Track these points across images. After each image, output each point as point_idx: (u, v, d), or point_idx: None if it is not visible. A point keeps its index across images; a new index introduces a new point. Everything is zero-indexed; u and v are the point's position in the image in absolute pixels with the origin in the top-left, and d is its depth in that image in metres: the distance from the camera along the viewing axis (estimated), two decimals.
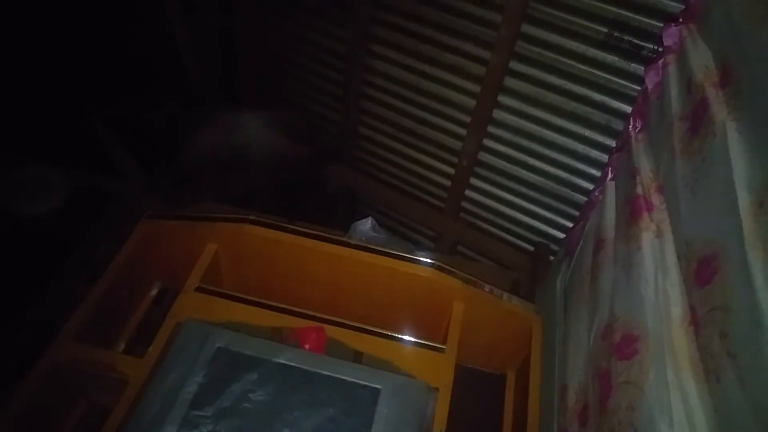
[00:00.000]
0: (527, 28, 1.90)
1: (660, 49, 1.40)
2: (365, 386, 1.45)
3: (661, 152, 1.22)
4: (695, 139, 1.05)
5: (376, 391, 1.44)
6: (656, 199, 1.22)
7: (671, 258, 1.08)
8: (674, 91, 1.21)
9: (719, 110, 0.97)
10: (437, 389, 1.50)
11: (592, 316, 1.31)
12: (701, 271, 0.93)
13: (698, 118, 1.04)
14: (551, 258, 2.15)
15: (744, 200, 0.83)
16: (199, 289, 1.69)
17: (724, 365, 0.81)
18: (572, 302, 1.54)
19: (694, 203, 1.01)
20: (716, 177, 0.93)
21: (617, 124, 1.89)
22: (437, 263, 1.68)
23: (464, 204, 2.52)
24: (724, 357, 0.81)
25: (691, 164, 1.04)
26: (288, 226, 1.77)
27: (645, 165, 1.32)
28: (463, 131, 2.29)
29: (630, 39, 1.72)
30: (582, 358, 1.33)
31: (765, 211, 0.79)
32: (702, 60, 1.12)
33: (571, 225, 2.18)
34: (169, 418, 1.37)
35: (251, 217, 1.77)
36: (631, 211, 1.26)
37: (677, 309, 1.01)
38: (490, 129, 2.22)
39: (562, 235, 2.26)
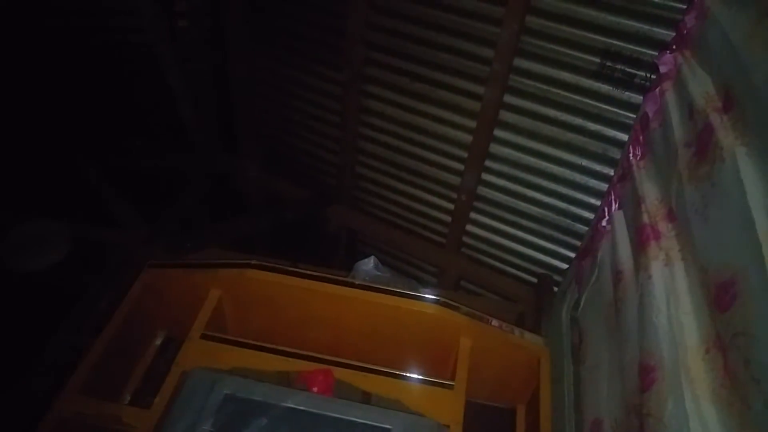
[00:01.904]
0: (519, 62, 1.95)
1: (653, 77, 1.42)
2: (375, 427, 1.43)
3: (669, 179, 1.21)
4: (702, 164, 1.04)
5: (387, 431, 1.42)
6: (663, 226, 1.21)
7: (682, 286, 1.07)
8: (675, 118, 1.22)
9: (725, 135, 0.97)
10: (448, 427, 1.48)
11: (622, 349, 1.27)
12: (720, 297, 0.91)
13: (703, 143, 1.04)
14: (555, 289, 2.14)
15: (762, 224, 0.82)
16: (204, 337, 1.68)
17: (751, 391, 0.80)
18: (594, 334, 1.51)
19: (707, 229, 1.00)
20: (728, 202, 0.93)
21: (614, 153, 1.92)
22: (442, 299, 1.68)
23: (465, 239, 2.53)
24: (750, 383, 0.80)
25: (700, 190, 1.04)
26: (290, 268, 1.77)
27: (650, 193, 1.32)
28: (461, 166, 2.33)
29: (622, 68, 1.76)
30: (617, 392, 1.28)
31: None
32: (701, 86, 1.12)
33: (572, 255, 2.18)
34: None
35: (253, 262, 1.77)
36: (639, 240, 1.26)
37: (692, 337, 0.99)
38: (488, 163, 2.25)
39: (564, 266, 2.27)
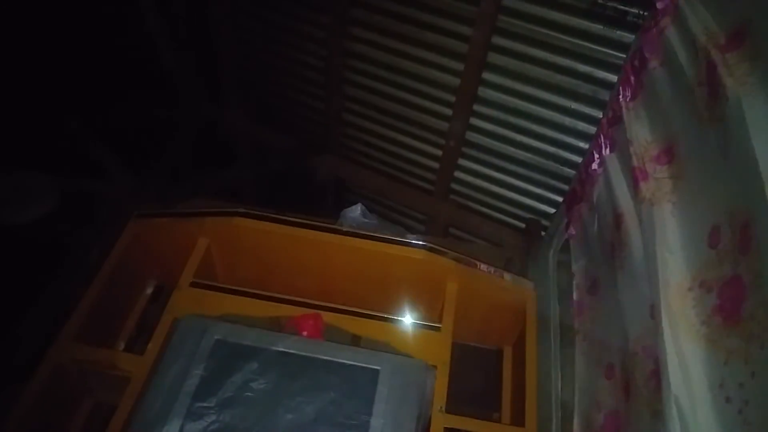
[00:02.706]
0: (508, 2, 1.89)
1: (646, 14, 1.37)
2: (364, 368, 1.47)
3: (673, 119, 1.19)
4: (716, 104, 1.02)
5: (376, 372, 1.45)
6: (651, 168, 1.21)
7: (671, 225, 1.08)
8: (682, 56, 1.17)
9: (727, 73, 0.95)
10: (435, 367, 1.52)
11: (633, 292, 1.28)
12: (743, 239, 0.91)
13: (712, 82, 1.01)
14: (543, 234, 2.16)
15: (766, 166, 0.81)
16: (193, 285, 1.69)
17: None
18: (597, 280, 1.52)
19: (730, 170, 0.96)
20: (740, 142, 0.91)
21: (603, 95, 1.89)
22: (429, 245, 1.69)
23: (454, 185, 2.53)
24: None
25: (717, 130, 1.01)
26: (278, 216, 1.76)
27: (639, 135, 1.31)
28: (448, 111, 2.29)
29: (614, 5, 1.71)
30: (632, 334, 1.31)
31: None
32: (702, 22, 1.08)
33: (560, 199, 2.19)
34: (173, 412, 1.38)
35: (241, 210, 1.77)
36: (631, 182, 1.26)
37: (676, 276, 1.01)
38: (476, 107, 2.22)
39: (552, 210, 2.28)
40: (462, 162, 2.42)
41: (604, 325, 1.36)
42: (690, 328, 0.94)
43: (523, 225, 2.36)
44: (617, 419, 1.15)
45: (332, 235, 1.74)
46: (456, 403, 1.50)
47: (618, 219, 1.36)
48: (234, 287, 1.71)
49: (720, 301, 0.92)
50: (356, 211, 1.89)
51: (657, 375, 1.03)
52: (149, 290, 1.97)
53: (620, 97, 1.46)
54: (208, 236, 1.80)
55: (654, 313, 1.04)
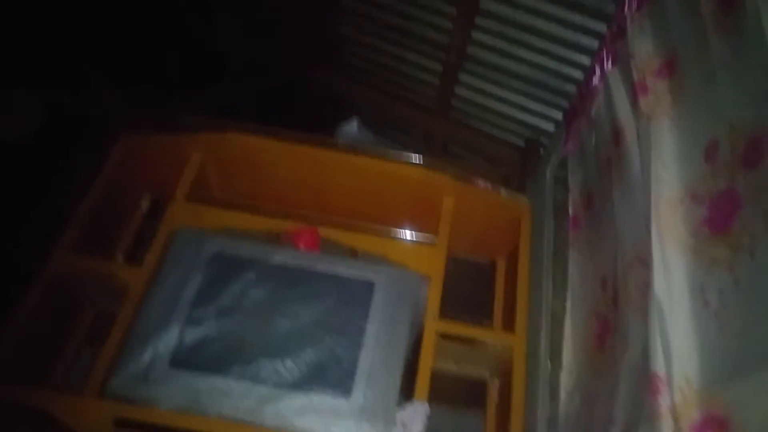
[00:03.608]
0: None
1: None
2: (360, 280, 1.50)
3: (681, 32, 1.14)
4: (729, 14, 0.98)
5: (371, 284, 1.49)
6: (652, 82, 1.19)
7: (668, 140, 1.07)
8: None
9: None
10: (430, 278, 1.55)
11: (628, 208, 1.29)
12: (749, 154, 0.91)
13: None
14: (541, 151, 2.14)
15: None
16: (189, 199, 1.69)
17: (762, 242, 0.82)
18: (593, 195, 1.52)
19: (737, 84, 0.94)
20: (756, 53, 0.87)
21: (609, 8, 1.81)
22: (426, 161, 1.68)
23: (453, 102, 2.47)
24: (763, 235, 0.82)
25: (728, 43, 0.98)
26: (273, 131, 1.74)
27: (641, 48, 1.27)
28: (449, 24, 2.21)
29: None
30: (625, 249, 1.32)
31: None
32: None
33: (560, 117, 2.15)
34: (173, 318, 1.42)
35: (234, 125, 1.74)
36: (631, 97, 1.24)
37: (668, 189, 1.01)
38: (477, 20, 2.13)
39: (552, 128, 2.24)
40: (462, 77, 2.35)
41: (598, 238, 1.37)
42: (677, 238, 0.96)
43: (522, 143, 2.33)
44: (607, 325, 1.19)
45: (328, 150, 1.73)
46: (449, 312, 1.55)
47: (617, 134, 1.34)
48: (230, 201, 1.71)
49: (710, 213, 0.94)
50: (353, 125, 1.87)
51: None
52: (145, 205, 1.97)
53: (625, 8, 1.40)
54: (201, 151, 1.79)
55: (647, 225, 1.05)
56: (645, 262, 1.11)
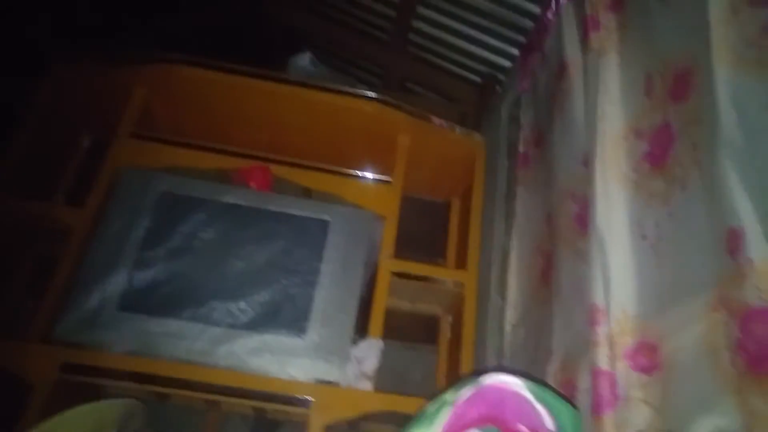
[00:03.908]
0: None
1: None
2: (314, 219, 1.48)
3: None
4: None
5: (326, 223, 1.47)
6: (605, 17, 1.17)
7: (614, 76, 1.07)
8: None
9: None
10: (385, 217, 1.55)
11: (566, 144, 1.29)
12: (678, 87, 0.92)
13: None
14: (498, 88, 2.12)
15: (714, 5, 0.79)
16: (134, 136, 1.61)
17: (691, 174, 0.84)
18: (542, 132, 1.52)
19: (667, 15, 0.96)
20: None
21: None
22: (381, 97, 1.64)
23: (411, 36, 2.40)
24: (692, 167, 0.84)
25: None
26: (220, 64, 1.65)
27: None
28: None
29: None
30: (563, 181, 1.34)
31: (738, 19, 0.76)
32: None
33: (518, 53, 2.12)
34: (121, 261, 1.38)
35: (180, 57, 1.64)
36: (582, 32, 1.22)
37: (614, 126, 1.02)
38: None
39: (509, 64, 2.21)
40: (420, 10, 2.27)
41: (543, 176, 1.39)
42: (620, 175, 0.98)
43: (479, 79, 2.30)
44: (549, 260, 1.22)
45: (279, 84, 1.66)
46: (404, 251, 1.56)
47: (562, 69, 1.34)
48: (178, 139, 1.64)
49: (650, 147, 0.95)
50: (305, 59, 1.79)
51: (580, 219, 1.08)
52: (86, 143, 1.87)
53: None
54: (146, 86, 1.68)
55: (587, 161, 1.06)
56: (576, 198, 1.13)
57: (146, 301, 1.36)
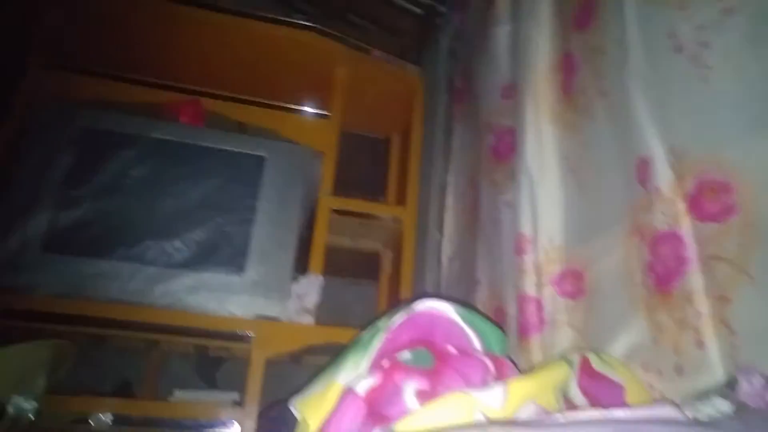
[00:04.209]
0: None
1: None
2: (249, 155, 1.44)
3: None
4: None
5: (261, 159, 1.43)
6: None
7: (547, 7, 1.06)
8: None
9: None
10: (323, 153, 1.52)
11: (488, 74, 1.28)
12: (582, 15, 0.92)
13: None
14: (439, 20, 2.07)
15: None
16: (50, 66, 1.49)
17: (595, 104, 0.86)
18: (472, 70, 1.51)
19: None
20: None
21: None
22: (317, 26, 1.57)
23: None
24: (596, 96, 0.85)
25: None
26: None
27: None
28: None
29: None
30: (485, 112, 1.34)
31: None
32: None
33: None
34: (42, 201, 1.30)
35: None
36: None
37: (544, 59, 1.02)
38: None
39: None
40: None
41: (473, 109, 1.39)
42: (548, 108, 0.99)
43: (420, 11, 2.24)
44: (478, 191, 1.24)
45: (210, 12, 1.56)
46: (343, 189, 1.55)
47: (489, 1, 1.32)
48: (101, 70, 1.54)
49: (564, 77, 0.96)
50: None
51: (496, 151, 1.10)
52: None
53: None
54: (60, 7, 1.54)
55: (513, 93, 1.07)
56: (494, 129, 1.15)
57: (73, 242, 1.30)
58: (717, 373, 0.59)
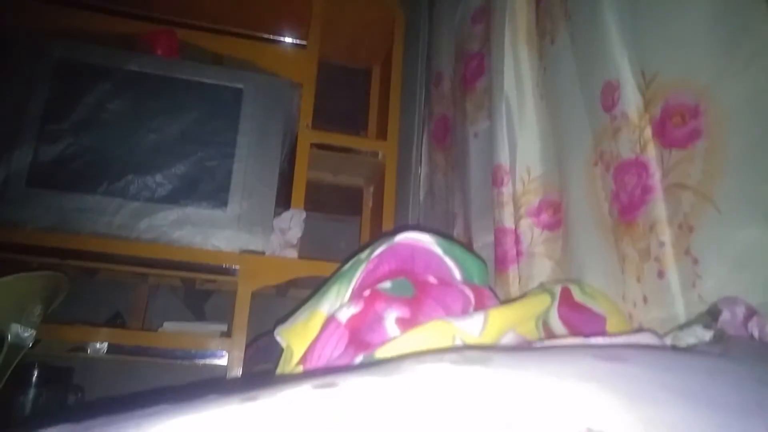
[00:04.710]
0: None
1: None
2: (227, 87, 1.41)
3: None
4: None
5: (239, 91, 1.41)
6: None
7: None
8: None
9: None
10: (301, 85, 1.50)
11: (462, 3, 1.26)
12: None
13: None
14: None
15: None
16: None
17: (560, 28, 0.85)
18: None
19: None
20: None
21: None
22: None
23: None
24: (561, 20, 0.84)
25: None
26: None
27: None
28: None
29: None
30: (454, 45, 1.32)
31: None
32: None
33: None
34: (22, 135, 1.28)
35: None
36: None
37: None
38: None
39: None
40: None
41: (450, 38, 1.37)
42: (525, 35, 0.97)
43: None
44: (446, 121, 1.24)
45: None
46: (324, 123, 1.54)
47: None
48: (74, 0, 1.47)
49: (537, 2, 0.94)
50: None
51: (465, 79, 1.09)
52: None
53: None
54: None
55: (484, 17, 1.05)
56: (465, 56, 1.14)
57: (56, 177, 1.30)
58: (677, 304, 0.61)
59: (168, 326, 1.42)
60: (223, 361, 1.30)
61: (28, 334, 1.10)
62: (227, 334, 1.35)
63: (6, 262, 1.29)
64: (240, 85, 1.41)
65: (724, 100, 0.58)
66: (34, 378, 1.31)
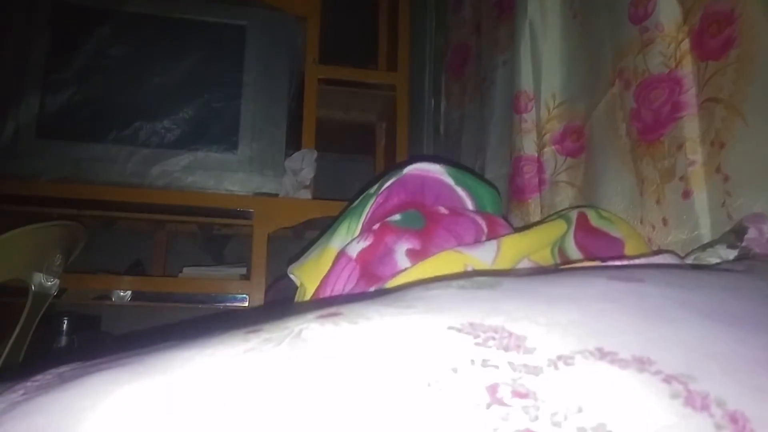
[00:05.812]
0: None
1: None
2: (229, 25, 1.36)
3: None
4: None
5: (242, 28, 1.36)
6: None
7: None
8: None
9: None
10: (305, 19, 1.44)
11: None
12: None
13: None
14: None
15: None
16: None
17: None
18: None
19: None
20: None
21: None
22: None
23: None
24: None
25: None
26: None
27: None
28: None
29: None
30: None
31: None
32: None
33: None
34: (26, 85, 1.27)
35: None
36: None
37: None
38: None
39: None
40: None
41: None
42: None
43: None
44: (466, 50, 1.18)
45: None
46: (331, 57, 1.49)
47: None
48: None
49: None
50: None
51: (502, 5, 1.03)
52: None
53: None
54: None
55: None
56: None
57: (65, 127, 1.29)
58: (702, 225, 0.58)
59: (188, 271, 1.44)
60: (244, 304, 1.32)
61: (51, 282, 1.11)
62: (246, 277, 1.36)
63: (24, 215, 1.30)
64: (243, 22, 1.36)
65: (757, 3, 0.53)
66: (64, 327, 1.35)
